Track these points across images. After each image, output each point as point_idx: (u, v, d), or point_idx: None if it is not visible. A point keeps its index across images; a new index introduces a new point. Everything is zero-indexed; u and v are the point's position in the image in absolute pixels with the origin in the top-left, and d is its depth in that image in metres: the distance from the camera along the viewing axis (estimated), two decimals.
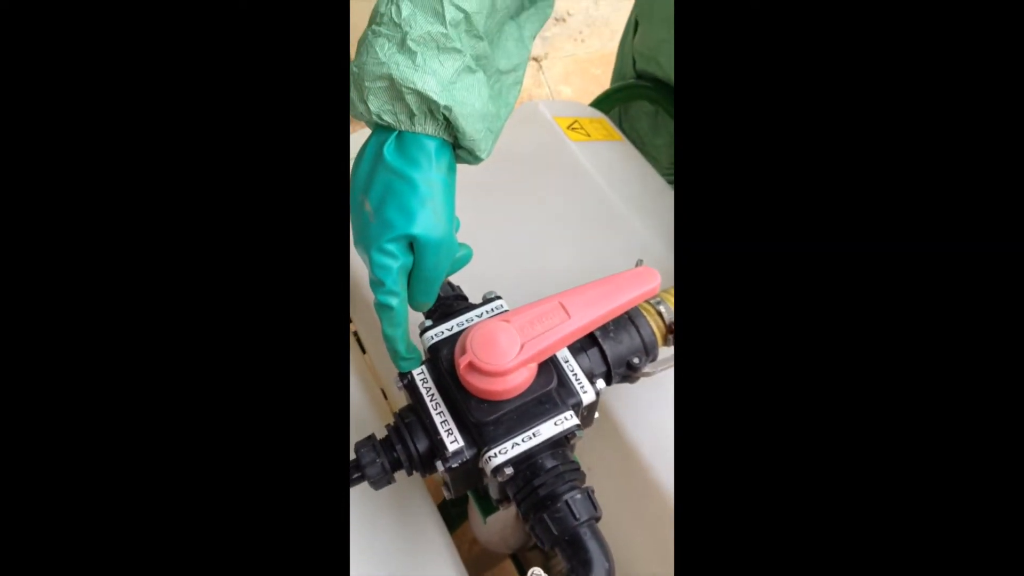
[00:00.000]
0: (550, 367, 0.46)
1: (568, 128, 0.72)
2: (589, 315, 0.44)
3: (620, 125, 0.88)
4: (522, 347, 0.43)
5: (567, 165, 0.69)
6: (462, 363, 0.43)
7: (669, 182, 0.74)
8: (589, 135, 0.72)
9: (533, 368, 0.44)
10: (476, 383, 0.43)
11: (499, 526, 0.74)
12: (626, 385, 0.57)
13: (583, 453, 0.62)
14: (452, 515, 0.85)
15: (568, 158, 0.69)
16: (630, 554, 0.62)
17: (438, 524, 0.65)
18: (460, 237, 0.50)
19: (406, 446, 0.46)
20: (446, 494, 0.50)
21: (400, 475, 0.49)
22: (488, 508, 0.55)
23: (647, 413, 0.56)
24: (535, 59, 2.10)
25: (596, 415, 0.52)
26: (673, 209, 0.69)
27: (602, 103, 0.82)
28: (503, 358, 0.42)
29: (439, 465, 0.45)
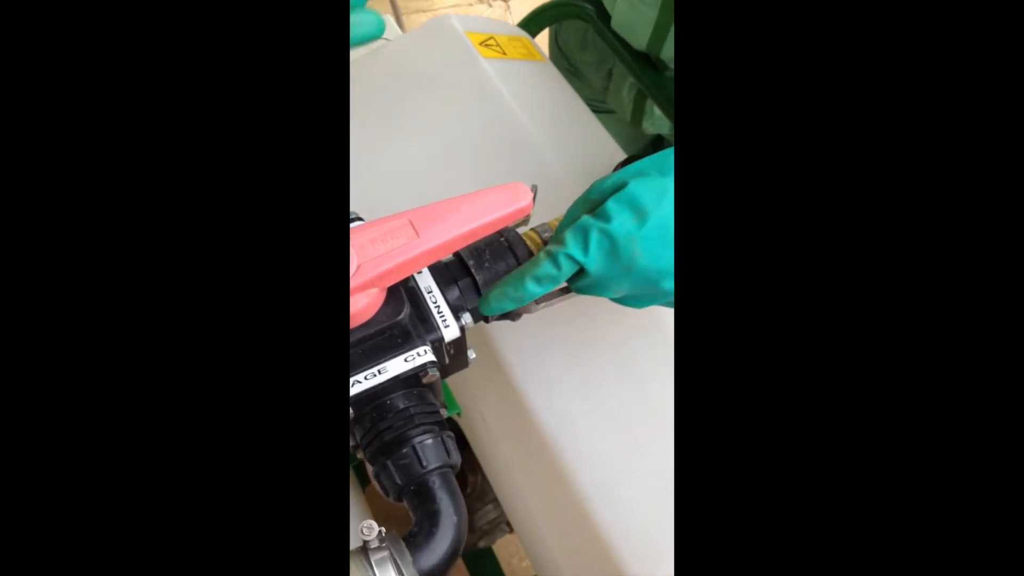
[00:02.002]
0: (401, 296, 0.40)
1: (481, 44, 0.64)
2: (442, 235, 0.38)
3: (556, 42, 0.81)
4: (359, 268, 0.37)
5: (476, 84, 0.62)
6: None
7: (594, 109, 0.67)
8: (505, 53, 0.65)
9: (377, 295, 0.38)
10: None
11: None
12: (516, 326, 0.51)
13: (476, 402, 0.57)
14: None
15: (478, 76, 0.63)
16: (521, 507, 0.57)
17: None
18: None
19: None
20: None
21: None
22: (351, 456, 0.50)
23: (535, 356, 0.51)
24: None
25: (473, 355, 0.46)
26: (590, 138, 0.63)
27: (530, 23, 0.75)
28: None
29: None
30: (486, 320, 0.45)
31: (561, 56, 0.81)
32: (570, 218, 0.42)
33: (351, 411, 0.39)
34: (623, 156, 0.62)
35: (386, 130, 0.62)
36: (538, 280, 0.39)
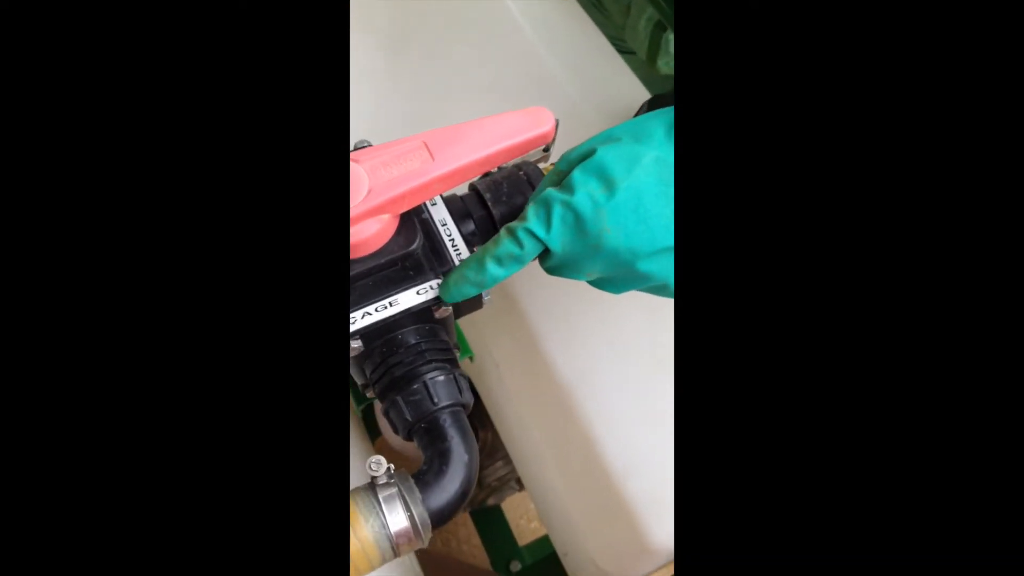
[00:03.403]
0: (414, 225, 0.38)
1: None
2: (459, 159, 0.36)
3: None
4: (370, 192, 0.35)
5: (497, 19, 0.60)
6: None
7: (616, 47, 0.64)
8: None
9: (389, 222, 0.36)
10: None
11: None
12: (534, 268, 0.49)
13: (489, 348, 0.55)
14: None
15: (498, 11, 0.60)
16: (533, 458, 0.56)
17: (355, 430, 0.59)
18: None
19: None
20: None
21: None
22: (359, 397, 0.49)
23: (553, 300, 0.49)
24: None
25: (487, 296, 0.44)
26: (613, 76, 0.60)
27: None
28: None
29: None
30: None
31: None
32: (539, 191, 0.37)
33: (360, 344, 0.37)
34: (647, 96, 0.59)
35: (403, 66, 0.59)
36: (499, 261, 0.34)
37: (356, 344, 0.37)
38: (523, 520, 1.04)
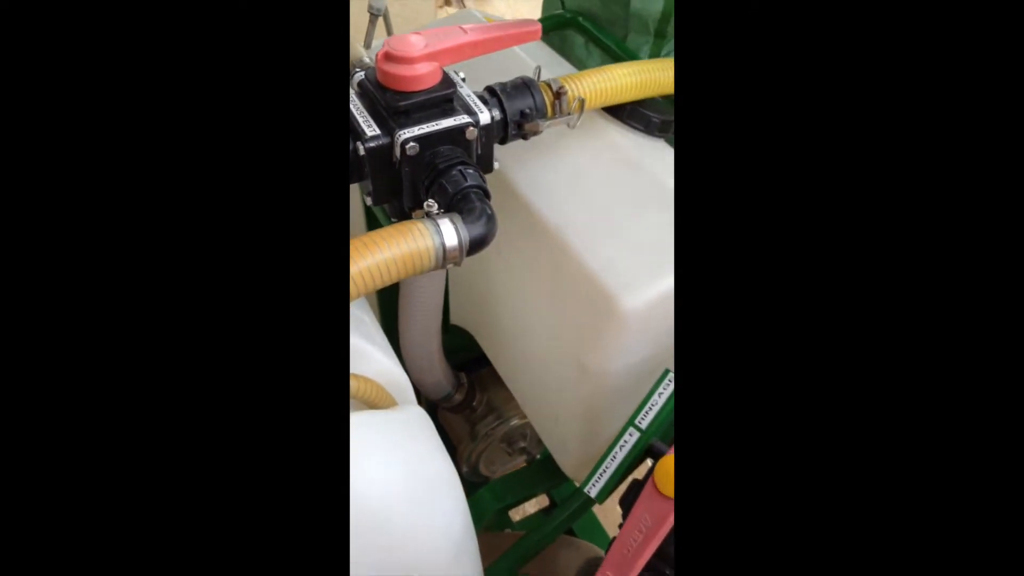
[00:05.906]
0: (451, 81, 0.58)
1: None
2: (482, 35, 0.57)
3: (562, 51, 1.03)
4: (426, 45, 0.55)
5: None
6: (380, 55, 0.55)
7: None
8: None
9: (436, 69, 0.57)
10: (391, 70, 0.55)
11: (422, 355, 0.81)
12: (523, 159, 0.69)
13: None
14: None
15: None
16: (533, 321, 0.71)
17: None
18: None
19: None
20: (368, 201, 0.60)
21: None
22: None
23: (540, 175, 0.68)
24: None
25: (497, 164, 0.63)
26: None
27: None
28: (412, 49, 0.55)
29: (360, 147, 0.56)
30: (501, 142, 0.63)
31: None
32: None
33: (417, 146, 0.55)
34: None
35: None
36: None
37: (414, 145, 0.55)
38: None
